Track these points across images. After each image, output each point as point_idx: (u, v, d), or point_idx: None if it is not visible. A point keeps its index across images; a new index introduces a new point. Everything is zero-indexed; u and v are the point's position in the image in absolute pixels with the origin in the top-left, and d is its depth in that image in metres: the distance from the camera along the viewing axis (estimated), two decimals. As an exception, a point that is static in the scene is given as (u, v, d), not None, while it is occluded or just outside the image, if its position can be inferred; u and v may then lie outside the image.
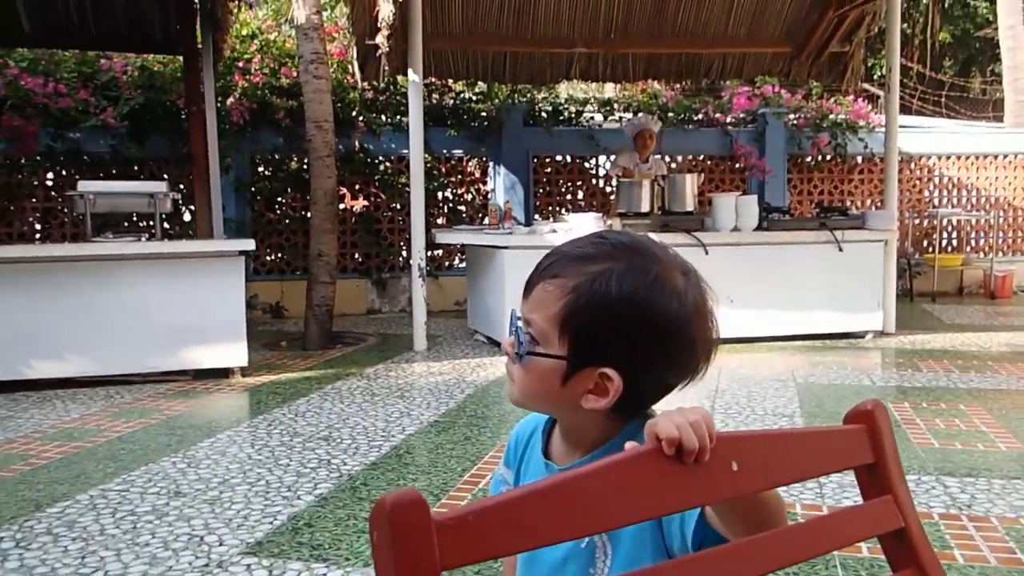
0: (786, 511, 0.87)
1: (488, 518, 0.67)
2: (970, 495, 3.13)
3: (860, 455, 0.88)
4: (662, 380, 0.96)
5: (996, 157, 9.97)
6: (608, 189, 9.18)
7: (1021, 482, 3.27)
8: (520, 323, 0.98)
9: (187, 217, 8.13)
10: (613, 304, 0.92)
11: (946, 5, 17.73)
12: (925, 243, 9.85)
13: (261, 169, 8.55)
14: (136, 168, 8.12)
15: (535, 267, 1.00)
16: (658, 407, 1.01)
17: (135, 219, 7.73)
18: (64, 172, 8.01)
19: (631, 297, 0.92)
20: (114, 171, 7.93)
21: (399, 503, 0.63)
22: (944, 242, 9.87)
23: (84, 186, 5.51)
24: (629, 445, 0.77)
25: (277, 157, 8.47)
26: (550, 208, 9.22)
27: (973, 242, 10.05)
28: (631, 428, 0.99)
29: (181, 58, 7.16)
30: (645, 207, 6.66)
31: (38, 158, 7.74)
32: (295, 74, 7.94)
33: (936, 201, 9.93)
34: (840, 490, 3.19)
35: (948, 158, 9.94)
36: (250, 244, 5.65)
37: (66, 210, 7.86)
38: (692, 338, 0.95)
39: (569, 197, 9.40)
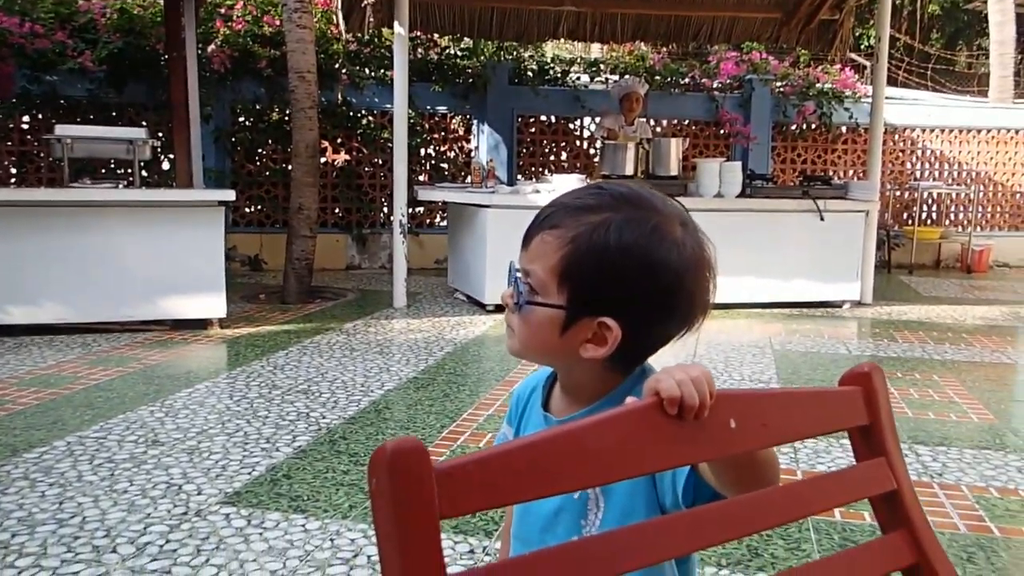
0: (779, 471, 0.87)
1: (488, 468, 0.66)
2: (942, 464, 3.19)
3: (855, 416, 0.88)
4: (660, 330, 0.97)
5: (979, 132, 10.02)
6: (592, 151, 9.14)
7: (991, 452, 3.33)
8: (519, 274, 0.98)
9: (166, 166, 8.00)
10: (612, 254, 0.92)
11: (936, -23, 17.68)
12: (905, 215, 9.92)
13: (242, 119, 8.41)
14: (114, 114, 7.97)
15: (534, 218, 0.99)
16: (654, 360, 1.01)
17: (113, 166, 7.60)
18: (40, 116, 7.85)
19: (630, 247, 0.92)
20: (91, 116, 7.77)
21: (400, 450, 0.62)
22: (924, 215, 9.94)
23: (62, 130, 5.40)
24: (629, 400, 0.77)
25: (258, 108, 8.34)
26: (533, 168, 9.18)
27: (952, 215, 10.13)
28: (629, 382, 0.99)
29: (161, 2, 6.99)
30: (629, 170, 6.63)
31: (14, 100, 7.56)
32: (278, 23, 7.80)
33: (918, 173, 9.98)
34: (814, 455, 3.23)
35: (932, 131, 9.97)
36: (230, 195, 5.58)
37: (42, 154, 7.71)
38: (690, 288, 0.95)
39: (553, 158, 9.35)
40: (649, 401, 0.76)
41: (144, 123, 7.90)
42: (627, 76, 8.60)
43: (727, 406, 0.78)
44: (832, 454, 3.23)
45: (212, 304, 5.34)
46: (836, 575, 0.83)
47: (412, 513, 0.62)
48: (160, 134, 7.73)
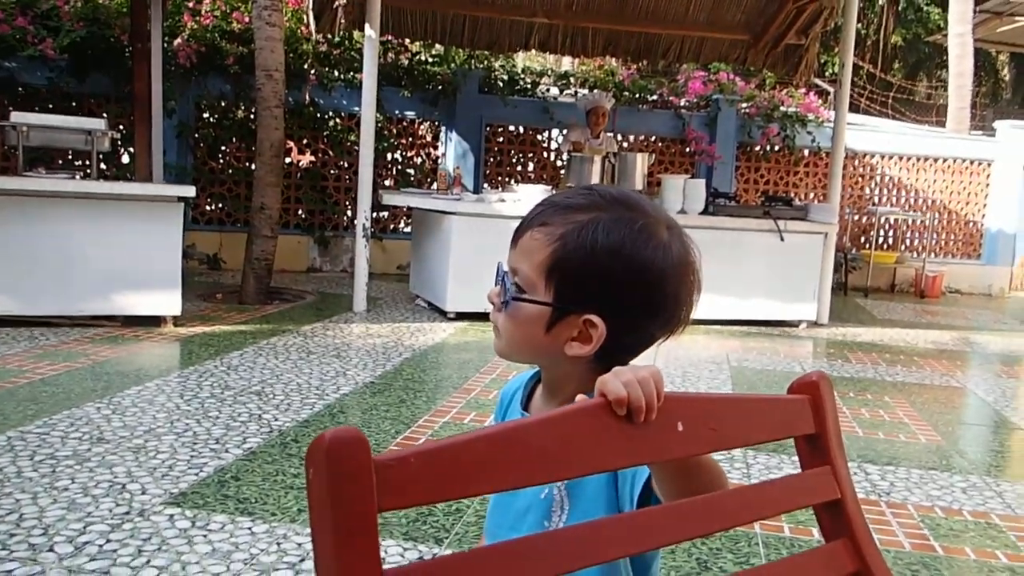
0: (727, 484, 0.87)
1: (429, 461, 0.64)
2: (889, 483, 3.23)
3: (802, 424, 0.89)
4: (645, 330, 0.98)
5: (936, 160, 10.25)
6: (559, 163, 9.17)
7: (938, 472, 3.39)
8: (507, 272, 0.99)
9: (126, 159, 7.87)
10: (599, 252, 0.93)
11: (900, 8, 18.08)
12: (862, 239, 10.09)
13: (206, 115, 8.30)
14: (74, 104, 7.82)
15: (524, 217, 1.00)
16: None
17: (70, 157, 7.45)
18: (-3, 102, 7.67)
19: (616, 246, 0.93)
20: (50, 105, 7.61)
21: (338, 439, 0.60)
22: (880, 239, 10.12)
23: (17, 117, 5.27)
24: (579, 398, 0.76)
25: (223, 104, 8.23)
26: (500, 178, 9.18)
27: (908, 241, 10.33)
28: None
29: (128, -7, 6.89)
30: (595, 182, 6.66)
31: (-31, 86, 7.39)
32: (247, 20, 7.72)
33: (876, 199, 10.17)
34: (766, 471, 3.26)
35: (891, 158, 10.17)
36: (190, 191, 5.49)
37: (-3, 142, 7.53)
38: (675, 289, 0.96)
39: (520, 168, 9.36)
40: (598, 400, 0.75)
41: (105, 114, 7.75)
42: (595, 91, 8.65)
43: (676, 409, 0.78)
44: (784, 470, 3.26)
45: (166, 301, 5.24)
46: (778, 582, 0.83)
47: (349, 504, 0.60)
48: (121, 126, 7.60)
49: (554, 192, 6.09)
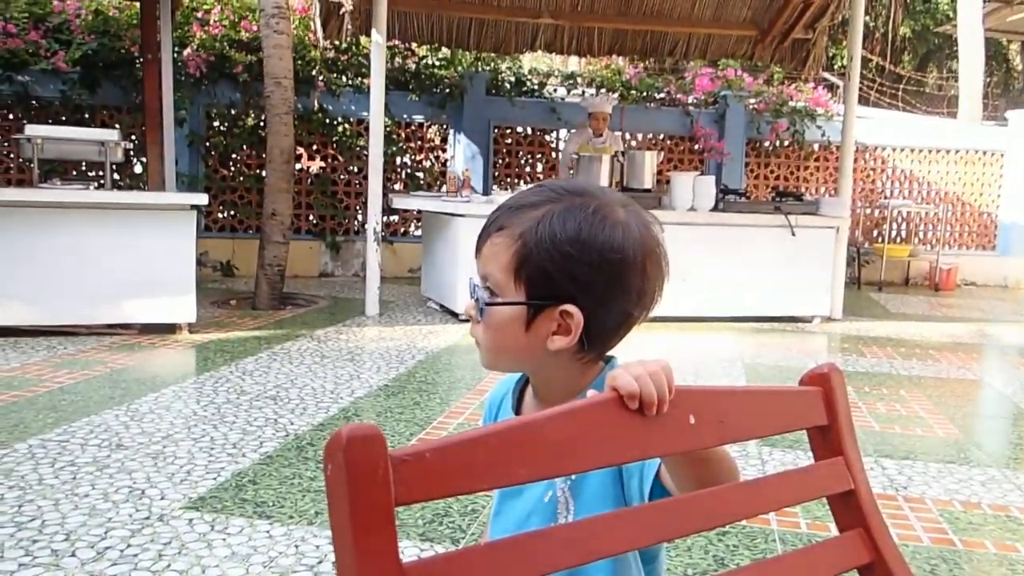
0: (739, 476, 0.88)
1: (446, 456, 0.66)
2: (907, 477, 3.22)
3: (814, 416, 0.89)
4: (620, 311, 0.98)
5: (948, 152, 10.19)
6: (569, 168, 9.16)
7: (956, 466, 3.37)
8: (477, 285, 1.00)
9: (138, 169, 7.93)
10: (559, 242, 0.94)
11: None
12: (875, 232, 10.05)
13: (216, 124, 8.36)
14: (87, 116, 7.88)
15: (482, 226, 1.01)
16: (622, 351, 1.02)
17: (84, 168, 7.52)
18: (11, 115, 7.75)
19: (575, 233, 0.94)
20: (63, 117, 7.69)
21: (355, 436, 0.61)
22: (893, 233, 10.07)
23: (32, 130, 5.32)
24: (591, 392, 0.77)
25: (233, 112, 8.29)
26: (509, 179, 9.19)
27: (921, 234, 10.28)
28: (603, 378, 0.99)
29: (137, 4, 6.94)
30: (604, 182, 6.66)
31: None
32: (255, 28, 7.77)
33: (888, 192, 10.13)
34: (782, 468, 3.25)
35: (902, 150, 10.12)
36: (203, 198, 5.53)
37: (12, 155, 7.61)
38: (641, 265, 0.97)
39: (528, 169, 9.37)
40: (609, 395, 0.76)
41: (117, 125, 7.83)
42: (601, 94, 8.64)
43: (687, 401, 0.78)
44: (799, 466, 3.26)
45: (181, 308, 5.28)
46: (792, 572, 0.84)
47: (367, 498, 0.61)
48: (133, 137, 7.66)
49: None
